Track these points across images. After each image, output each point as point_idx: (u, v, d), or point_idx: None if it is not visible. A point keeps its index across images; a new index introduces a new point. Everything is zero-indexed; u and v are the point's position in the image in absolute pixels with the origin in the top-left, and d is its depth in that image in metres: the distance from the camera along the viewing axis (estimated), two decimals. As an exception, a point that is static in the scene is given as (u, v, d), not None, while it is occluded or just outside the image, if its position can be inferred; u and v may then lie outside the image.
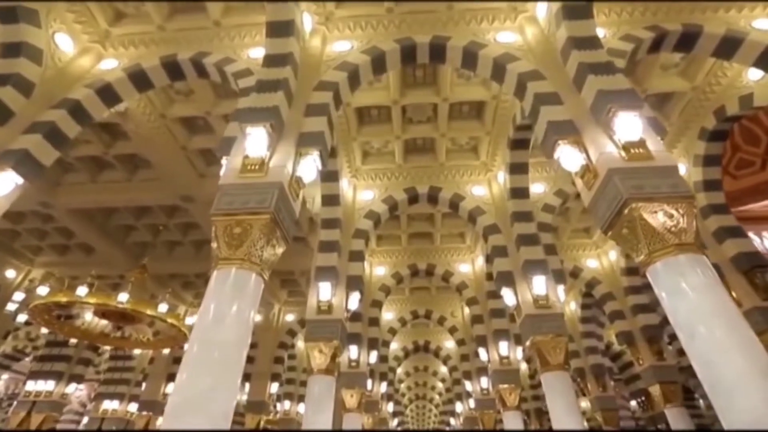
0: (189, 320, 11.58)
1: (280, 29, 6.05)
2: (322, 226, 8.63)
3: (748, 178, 11.17)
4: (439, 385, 26.30)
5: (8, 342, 19.09)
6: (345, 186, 9.49)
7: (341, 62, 6.55)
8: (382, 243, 13.22)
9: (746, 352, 3.25)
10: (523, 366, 18.54)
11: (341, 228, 8.67)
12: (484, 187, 9.90)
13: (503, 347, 11.03)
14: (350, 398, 10.21)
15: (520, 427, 10.42)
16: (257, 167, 4.76)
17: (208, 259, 4.35)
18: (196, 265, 13.41)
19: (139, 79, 6.94)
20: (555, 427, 6.62)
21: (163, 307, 10.81)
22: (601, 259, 13.39)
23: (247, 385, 16.13)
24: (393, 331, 16.15)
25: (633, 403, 20.26)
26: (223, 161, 5.20)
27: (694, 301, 3.59)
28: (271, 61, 5.91)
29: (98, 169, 10.55)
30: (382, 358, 14.97)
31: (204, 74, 7.04)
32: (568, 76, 5.61)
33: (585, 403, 16.06)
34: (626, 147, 4.48)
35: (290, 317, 16.82)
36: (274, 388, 16.24)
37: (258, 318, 16.10)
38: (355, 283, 8.48)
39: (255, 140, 4.84)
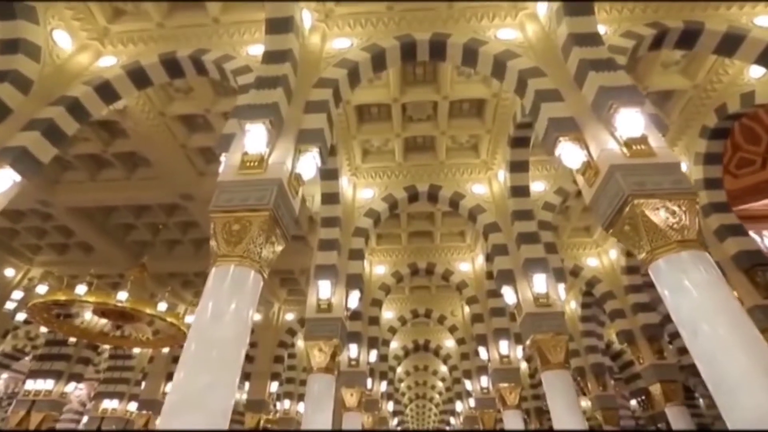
0: (188, 319, 11.56)
1: (280, 26, 6.02)
2: (321, 224, 8.60)
3: (748, 177, 11.15)
4: (439, 384, 26.28)
5: (8, 341, 19.07)
6: (345, 184, 9.46)
7: (341, 59, 6.52)
8: (382, 242, 13.19)
9: (750, 350, 3.22)
10: (524, 365, 18.52)
11: (341, 226, 8.64)
12: (485, 185, 9.87)
13: (503, 346, 11.00)
14: (350, 397, 10.19)
15: (521, 426, 10.39)
16: (256, 164, 4.73)
17: (207, 258, 4.31)
18: (196, 263, 13.36)
19: (138, 76, 6.90)
20: (556, 425, 6.59)
21: (162, 306, 10.78)
22: (601, 257, 13.37)
23: (247, 384, 16.11)
24: (393, 330, 16.13)
25: (633, 402, 20.24)
26: (222, 158, 5.17)
27: (696, 298, 3.55)
28: (270, 57, 5.88)
29: (97, 168, 10.51)
30: (382, 357, 14.95)
31: (203, 71, 7.00)
32: (569, 73, 5.58)
33: (585, 402, 16.03)
34: (628, 143, 4.45)
35: (290, 316, 16.79)
36: (273, 387, 16.21)
37: (258, 317, 16.10)
38: (354, 281, 8.45)
39: (254, 137, 4.81)
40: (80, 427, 24.93)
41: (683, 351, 14.39)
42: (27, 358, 20.75)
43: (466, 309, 14.66)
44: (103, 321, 11.55)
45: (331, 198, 8.79)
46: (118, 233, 12.82)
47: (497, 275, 8.47)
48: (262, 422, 15.22)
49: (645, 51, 6.72)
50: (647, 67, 8.04)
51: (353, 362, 10.53)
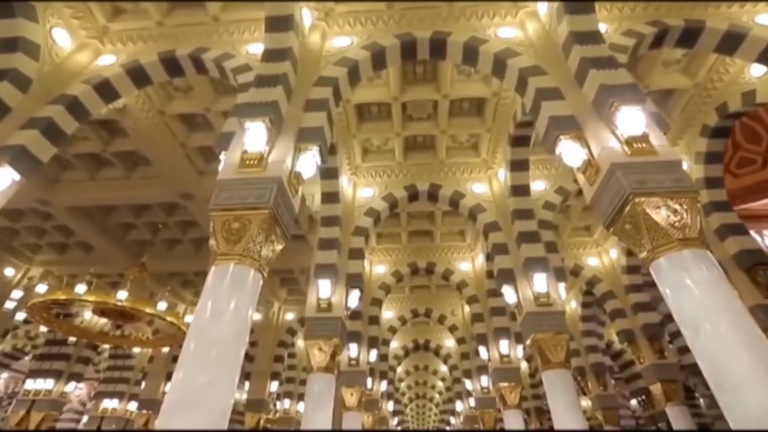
0: (188, 318, 11.53)
1: (279, 24, 6.00)
2: (321, 223, 8.59)
3: (748, 177, 11.14)
4: (439, 383, 26.27)
5: (7, 341, 19.08)
6: (345, 183, 9.44)
7: (341, 58, 6.50)
8: (382, 241, 13.18)
9: (752, 348, 3.20)
10: (524, 364, 18.51)
11: (341, 225, 8.62)
12: (485, 184, 9.85)
13: (504, 345, 10.98)
14: (350, 397, 10.18)
15: (521, 425, 10.37)
16: (256, 162, 4.71)
17: (207, 257, 4.29)
18: (196, 263, 13.34)
19: (138, 75, 6.88)
20: (556, 425, 6.58)
21: (162, 306, 10.77)
22: (601, 257, 13.35)
23: (247, 384, 16.09)
24: (393, 330, 16.11)
25: (633, 401, 20.25)
26: (222, 157, 5.15)
27: (698, 296, 3.54)
28: (270, 56, 5.86)
29: (97, 167, 10.50)
30: (382, 357, 14.93)
31: (203, 70, 6.98)
32: (570, 71, 5.57)
33: (585, 402, 16.02)
34: (629, 142, 4.43)
35: (290, 316, 16.78)
36: (273, 386, 16.20)
37: (258, 316, 16.09)
38: (354, 280, 8.43)
39: (254, 135, 4.79)
40: (80, 426, 24.93)
41: (684, 350, 14.41)
42: (27, 358, 20.75)
43: (466, 308, 14.65)
44: (103, 320, 11.52)
45: (331, 197, 8.78)
46: (118, 232, 12.81)
47: (497, 274, 8.45)
48: (262, 422, 15.21)
49: (646, 49, 6.70)
50: (648, 65, 8.02)
51: (353, 362, 10.52)
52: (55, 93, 6.38)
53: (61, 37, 6.70)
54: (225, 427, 3.42)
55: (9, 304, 13.10)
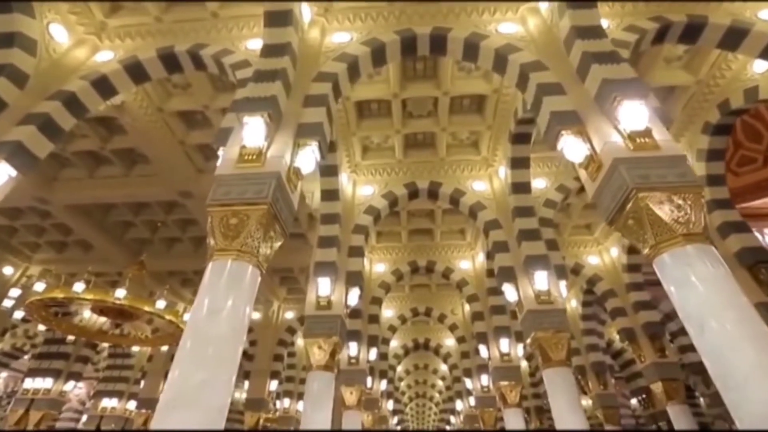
0: (187, 317, 11.47)
1: (279, 19, 5.94)
2: (321, 221, 8.54)
3: (749, 175, 11.12)
4: (439, 382, 26.23)
5: (6, 340, 19.01)
6: (344, 181, 9.39)
7: (340, 53, 6.45)
8: (382, 240, 13.13)
9: (758, 345, 3.14)
10: (524, 363, 18.47)
11: (340, 223, 8.58)
12: (485, 182, 9.80)
13: (504, 344, 10.93)
14: (350, 395, 10.14)
15: (521, 424, 10.32)
16: (254, 157, 4.66)
17: (206, 256, 4.24)
18: (195, 261, 13.29)
19: (136, 71, 6.82)
20: (557, 423, 6.53)
21: (161, 304, 10.72)
22: (602, 255, 13.31)
23: (246, 383, 16.04)
24: (393, 329, 16.06)
25: (633, 401, 20.20)
26: (220, 152, 5.10)
27: (703, 293, 3.48)
28: (269, 51, 5.80)
29: (95, 165, 10.45)
30: (382, 356, 14.88)
31: (201, 66, 6.93)
32: (572, 66, 5.51)
33: (586, 401, 15.97)
34: (632, 136, 4.37)
35: (289, 315, 16.73)
36: (273, 385, 16.16)
37: (257, 315, 16.05)
38: (354, 278, 8.38)
39: (252, 130, 4.74)
40: (79, 425, 24.89)
41: (684, 349, 14.37)
42: (26, 357, 20.70)
43: (467, 307, 14.61)
44: (102, 319, 11.48)
45: (330, 195, 8.73)
46: (117, 231, 12.76)
47: (498, 272, 8.41)
48: (261, 421, 15.16)
49: (648, 45, 6.65)
50: (650, 62, 7.96)
51: (353, 360, 10.48)
52: (53, 89, 6.33)
53: (58, 32, 6.64)
54: (222, 425, 3.37)
55: (7, 303, 13.06)
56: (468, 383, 15.42)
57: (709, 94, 8.31)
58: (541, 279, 7.60)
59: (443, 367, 21.49)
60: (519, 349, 11.62)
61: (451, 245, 13.24)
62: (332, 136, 7.18)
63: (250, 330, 15.46)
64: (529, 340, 7.43)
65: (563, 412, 6.53)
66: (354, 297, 8.23)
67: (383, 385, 15.51)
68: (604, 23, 5.87)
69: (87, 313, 11.36)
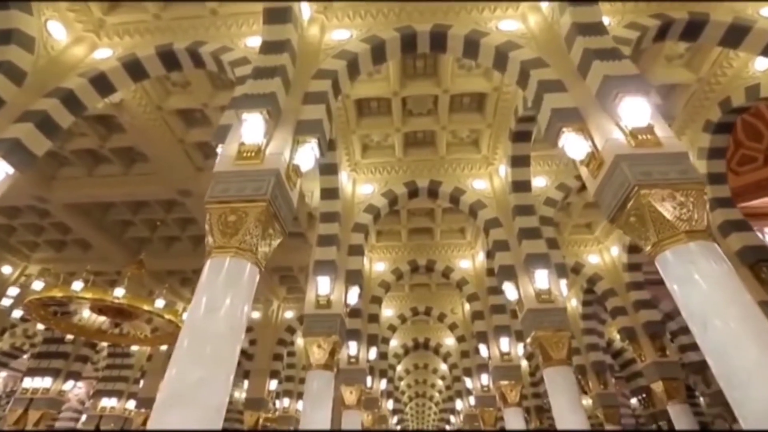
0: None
1: (278, 16, 5.91)
2: (320, 219, 8.50)
3: (750, 175, 11.08)
4: (439, 382, 26.20)
5: (5, 339, 18.98)
6: (344, 179, 9.36)
7: (340, 51, 6.41)
8: (382, 238, 13.10)
9: (762, 343, 3.11)
10: (524, 363, 18.44)
11: (340, 222, 8.54)
12: (485, 180, 9.76)
13: (504, 343, 10.91)
14: (350, 395, 10.12)
15: (521, 424, 10.29)
16: (253, 154, 4.62)
17: (205, 255, 4.20)
18: (194, 260, 13.23)
19: (134, 68, 6.78)
20: (557, 422, 6.50)
21: (160, 303, 10.69)
22: (602, 254, 13.28)
23: (246, 383, 16.01)
24: (393, 328, 16.04)
25: (634, 400, 20.16)
26: (219, 149, 5.06)
27: (706, 290, 3.45)
28: (268, 47, 5.77)
29: (94, 163, 10.40)
30: (382, 355, 14.85)
31: (200, 64, 6.88)
32: (573, 63, 5.47)
33: (586, 401, 15.94)
34: (633, 133, 4.34)
35: (289, 314, 16.69)
36: (273, 385, 16.10)
37: (257, 315, 16.02)
38: (354, 277, 8.35)
39: (251, 127, 4.70)
40: (79, 425, 24.83)
41: (685, 348, 14.34)
42: (25, 356, 20.67)
43: (467, 306, 14.58)
44: (101, 318, 11.46)
45: (330, 193, 8.69)
46: (116, 230, 12.71)
47: (498, 271, 8.37)
48: (261, 420, 15.12)
49: (649, 43, 6.61)
50: (651, 60, 7.92)
51: (353, 360, 10.45)
52: (51, 86, 6.29)
53: (56, 29, 6.59)
54: (220, 424, 3.33)
55: (6, 302, 13.03)
56: (468, 383, 15.40)
57: (710, 92, 8.28)
58: (541, 278, 7.57)
59: (443, 367, 21.47)
60: (519, 349, 11.58)
61: (451, 244, 13.21)
62: (332, 134, 7.13)
63: (250, 329, 15.43)
64: (529, 339, 7.40)
65: (564, 412, 6.49)
66: (354, 296, 8.20)
67: (383, 384, 15.48)
68: (605, 20, 5.82)
69: (86, 313, 11.34)
